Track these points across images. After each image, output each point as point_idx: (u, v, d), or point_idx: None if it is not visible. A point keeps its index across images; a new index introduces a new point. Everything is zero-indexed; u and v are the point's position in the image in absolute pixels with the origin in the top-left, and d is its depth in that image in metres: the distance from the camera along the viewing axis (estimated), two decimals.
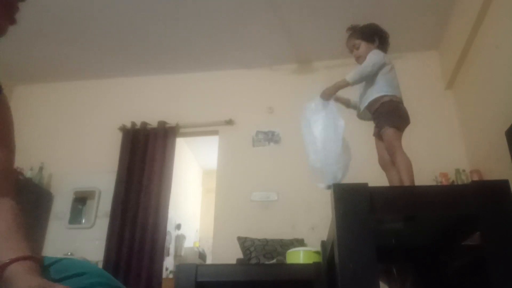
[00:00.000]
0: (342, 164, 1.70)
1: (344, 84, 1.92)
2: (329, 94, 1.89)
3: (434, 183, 3.33)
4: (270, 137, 4.04)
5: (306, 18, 3.75)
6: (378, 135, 1.93)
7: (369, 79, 1.95)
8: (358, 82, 1.97)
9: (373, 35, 2.07)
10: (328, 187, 1.70)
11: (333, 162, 1.69)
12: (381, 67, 1.93)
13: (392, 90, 1.90)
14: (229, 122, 4.15)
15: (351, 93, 2.11)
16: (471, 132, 3.56)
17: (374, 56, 1.95)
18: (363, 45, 2.05)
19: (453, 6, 3.55)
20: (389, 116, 1.84)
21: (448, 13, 3.63)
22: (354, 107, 2.10)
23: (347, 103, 2.11)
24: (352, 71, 1.95)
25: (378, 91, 1.90)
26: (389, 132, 1.81)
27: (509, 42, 2.77)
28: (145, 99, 4.43)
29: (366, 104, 1.95)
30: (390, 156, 1.82)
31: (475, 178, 3.20)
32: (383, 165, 1.92)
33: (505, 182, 1.21)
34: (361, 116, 2.07)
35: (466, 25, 3.29)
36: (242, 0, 3.56)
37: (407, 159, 1.74)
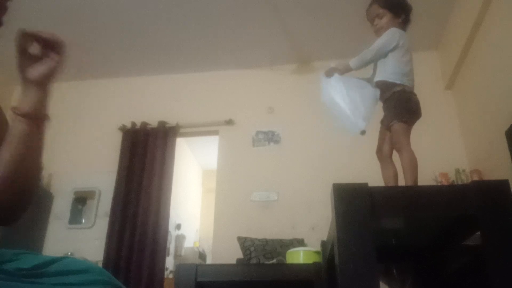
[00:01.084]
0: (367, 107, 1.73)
1: (348, 69, 1.86)
2: (328, 73, 1.87)
3: (434, 183, 3.33)
4: (270, 137, 4.04)
5: (306, 18, 3.75)
6: (385, 126, 1.86)
7: (378, 60, 1.87)
8: (360, 68, 1.88)
9: (401, 10, 1.92)
10: (362, 132, 1.73)
11: (356, 108, 1.72)
12: (390, 51, 1.83)
13: (401, 77, 1.82)
14: (229, 122, 4.15)
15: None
16: (471, 132, 3.56)
17: (385, 38, 1.84)
18: (387, 16, 1.90)
19: (453, 6, 3.55)
20: (399, 110, 1.77)
21: (448, 13, 3.63)
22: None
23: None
24: (357, 57, 1.87)
25: (384, 76, 1.83)
26: (398, 127, 1.75)
27: (509, 42, 2.77)
28: (145, 99, 4.43)
29: (373, 84, 1.87)
30: (397, 152, 1.78)
31: (475, 178, 3.20)
32: (380, 156, 1.86)
33: (505, 182, 1.21)
34: None
35: (466, 25, 3.29)
36: (242, 0, 3.56)
37: (414, 157, 1.70)
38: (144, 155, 4.05)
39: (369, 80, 1.96)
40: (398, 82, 1.81)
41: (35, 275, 0.68)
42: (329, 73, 1.87)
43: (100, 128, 4.33)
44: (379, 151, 1.87)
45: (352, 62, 1.87)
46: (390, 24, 1.90)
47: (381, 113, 1.88)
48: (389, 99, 1.82)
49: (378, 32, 1.93)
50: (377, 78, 1.86)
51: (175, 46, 4.13)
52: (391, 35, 1.87)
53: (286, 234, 3.19)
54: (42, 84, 0.92)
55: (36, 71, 0.94)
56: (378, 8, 1.93)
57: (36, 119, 0.88)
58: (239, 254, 2.88)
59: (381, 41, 1.86)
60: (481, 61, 3.24)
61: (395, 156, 1.82)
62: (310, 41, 4.05)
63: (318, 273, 1.93)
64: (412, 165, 1.68)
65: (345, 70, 1.88)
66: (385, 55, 1.85)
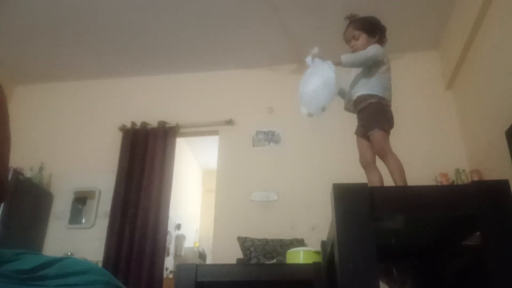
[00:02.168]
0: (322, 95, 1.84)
1: (337, 62, 1.90)
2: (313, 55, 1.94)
3: (434, 183, 3.33)
4: (270, 137, 4.04)
5: (306, 18, 3.75)
6: (362, 134, 1.91)
7: (364, 70, 1.92)
8: (349, 66, 1.94)
9: (375, 29, 2.02)
10: (309, 114, 1.90)
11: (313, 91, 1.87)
12: (377, 62, 1.90)
13: (383, 91, 1.88)
14: (229, 122, 4.15)
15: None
16: (471, 132, 3.56)
17: (375, 49, 1.91)
18: (363, 37, 1.99)
19: (453, 6, 3.55)
20: (378, 119, 1.83)
21: (448, 13, 3.63)
22: (342, 95, 2.04)
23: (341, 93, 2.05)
24: (350, 54, 1.93)
25: (368, 88, 1.88)
26: (378, 135, 1.81)
27: (509, 42, 2.77)
28: (145, 99, 4.43)
29: (354, 97, 1.93)
30: (381, 158, 1.83)
31: (475, 178, 3.20)
32: (365, 164, 1.90)
33: (505, 182, 1.21)
34: (347, 108, 2.03)
35: (466, 25, 3.29)
36: (242, 0, 3.56)
37: (398, 160, 1.76)
38: (144, 155, 4.05)
39: (344, 92, 2.01)
40: (380, 95, 1.86)
41: (37, 278, 0.68)
42: (313, 55, 1.93)
43: (100, 128, 4.33)
44: (363, 160, 1.92)
45: (345, 58, 1.89)
46: (366, 43, 1.97)
47: (354, 123, 1.94)
48: (364, 109, 1.89)
49: (356, 52, 1.99)
50: (355, 95, 1.91)
51: (175, 46, 4.13)
52: (379, 48, 1.94)
53: (286, 234, 3.18)
54: None
55: None
56: (353, 30, 2.02)
57: None
58: (239, 254, 2.88)
59: (373, 51, 1.91)
60: (481, 61, 3.24)
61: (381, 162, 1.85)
62: (310, 41, 4.04)
63: (318, 273, 1.93)
64: (399, 168, 1.74)
65: (335, 63, 1.92)
66: (374, 64, 1.91)
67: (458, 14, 3.50)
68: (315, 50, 1.94)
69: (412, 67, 3.84)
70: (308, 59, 1.95)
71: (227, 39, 4.03)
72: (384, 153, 1.79)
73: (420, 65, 3.96)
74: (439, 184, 3.32)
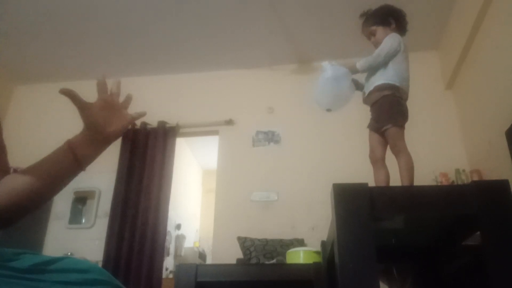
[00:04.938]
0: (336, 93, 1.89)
1: (354, 71, 1.88)
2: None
3: (434, 183, 3.33)
4: (270, 137, 4.04)
5: (306, 18, 3.76)
6: (374, 129, 1.86)
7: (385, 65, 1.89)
8: (367, 71, 1.90)
9: (388, 17, 1.97)
10: (328, 110, 1.94)
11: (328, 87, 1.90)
12: (395, 54, 1.86)
13: (400, 81, 1.83)
14: (229, 122, 4.15)
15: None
16: (471, 132, 3.56)
17: (389, 42, 1.87)
18: (379, 30, 1.96)
19: (453, 6, 3.55)
20: (392, 114, 1.78)
21: (448, 13, 3.63)
22: (361, 87, 2.00)
23: (356, 85, 2.02)
24: (364, 59, 1.88)
25: (386, 78, 1.83)
26: (393, 131, 1.76)
27: (509, 42, 2.77)
28: (145, 99, 4.41)
29: (371, 88, 1.89)
30: (395, 155, 1.79)
31: (475, 178, 3.20)
32: (374, 160, 1.85)
33: (505, 182, 1.21)
34: (366, 101, 1.96)
35: (466, 25, 3.29)
36: (242, 0, 3.56)
37: (411, 160, 1.72)
38: (144, 155, 4.05)
39: (359, 83, 2.00)
40: (397, 84, 1.82)
41: (37, 271, 0.69)
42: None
43: None
44: (372, 155, 1.88)
45: (360, 65, 1.87)
46: (384, 35, 1.94)
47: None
48: (377, 102, 1.84)
49: (377, 46, 1.95)
50: (372, 86, 1.88)
51: (175, 46, 4.13)
52: (394, 39, 1.89)
53: (286, 234, 3.19)
54: (110, 141, 0.96)
55: (115, 127, 0.99)
56: (368, 28, 1.99)
57: (81, 164, 0.92)
58: (239, 254, 2.88)
59: (387, 46, 1.87)
60: (481, 61, 3.24)
61: (390, 158, 1.83)
62: (310, 41, 4.05)
63: (318, 273, 1.93)
64: (409, 168, 1.70)
65: (352, 71, 1.90)
66: (392, 58, 1.88)
67: (458, 14, 3.50)
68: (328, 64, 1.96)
69: (412, 67, 3.80)
70: (326, 65, 1.95)
71: (227, 39, 4.03)
72: (398, 150, 1.74)
73: (420, 65, 3.94)
74: (439, 184, 3.33)
